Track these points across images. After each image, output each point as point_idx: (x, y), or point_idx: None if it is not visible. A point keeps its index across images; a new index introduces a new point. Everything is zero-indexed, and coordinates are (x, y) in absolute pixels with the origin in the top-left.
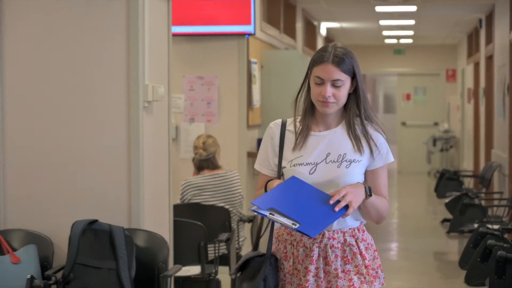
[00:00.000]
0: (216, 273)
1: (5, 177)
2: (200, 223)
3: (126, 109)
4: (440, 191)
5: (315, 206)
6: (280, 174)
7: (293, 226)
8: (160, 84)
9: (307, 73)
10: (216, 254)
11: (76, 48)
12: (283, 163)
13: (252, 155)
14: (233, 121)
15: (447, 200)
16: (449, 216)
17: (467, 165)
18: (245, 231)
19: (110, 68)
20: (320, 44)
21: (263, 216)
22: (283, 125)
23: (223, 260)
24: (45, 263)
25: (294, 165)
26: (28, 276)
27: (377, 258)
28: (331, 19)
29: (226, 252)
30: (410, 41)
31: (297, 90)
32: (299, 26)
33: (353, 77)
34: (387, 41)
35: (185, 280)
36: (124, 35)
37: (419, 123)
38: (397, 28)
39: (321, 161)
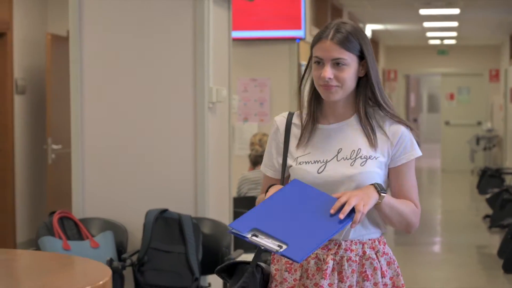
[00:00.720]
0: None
1: (84, 171)
2: None
3: (193, 109)
4: (482, 188)
5: (312, 218)
6: (283, 176)
7: (278, 250)
8: (222, 87)
9: (310, 56)
10: None
11: (147, 54)
12: (289, 162)
13: None
14: None
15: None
16: (491, 212)
17: (510, 163)
18: None
19: (178, 72)
20: None
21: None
22: (289, 118)
23: None
24: (120, 248)
25: (300, 163)
26: (108, 258)
27: (400, 275)
28: (376, 21)
29: None
30: (453, 42)
31: (300, 77)
32: None
33: (362, 57)
34: (431, 42)
35: None
36: (190, 41)
37: (462, 123)
38: (441, 29)
39: (332, 158)
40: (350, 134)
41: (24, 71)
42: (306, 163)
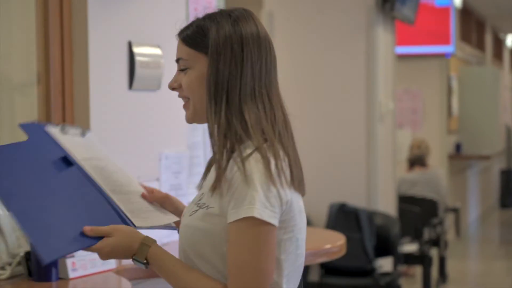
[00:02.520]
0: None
1: None
2: (417, 211)
3: (365, 120)
4: None
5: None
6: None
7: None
8: (388, 99)
9: None
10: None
11: (325, 72)
12: None
13: (451, 157)
14: (435, 127)
15: None
16: None
17: None
18: (449, 218)
19: (353, 87)
20: (506, 55)
21: None
22: None
23: (433, 241)
24: None
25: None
26: None
27: None
28: None
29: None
30: None
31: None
32: (488, 40)
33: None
34: None
35: (405, 255)
36: (363, 62)
37: None
38: None
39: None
40: (212, 170)
41: None
42: (189, 204)
